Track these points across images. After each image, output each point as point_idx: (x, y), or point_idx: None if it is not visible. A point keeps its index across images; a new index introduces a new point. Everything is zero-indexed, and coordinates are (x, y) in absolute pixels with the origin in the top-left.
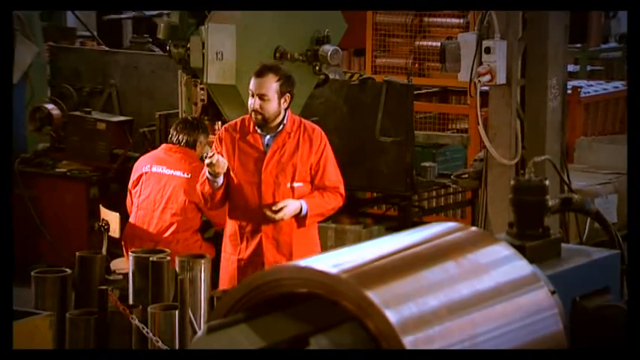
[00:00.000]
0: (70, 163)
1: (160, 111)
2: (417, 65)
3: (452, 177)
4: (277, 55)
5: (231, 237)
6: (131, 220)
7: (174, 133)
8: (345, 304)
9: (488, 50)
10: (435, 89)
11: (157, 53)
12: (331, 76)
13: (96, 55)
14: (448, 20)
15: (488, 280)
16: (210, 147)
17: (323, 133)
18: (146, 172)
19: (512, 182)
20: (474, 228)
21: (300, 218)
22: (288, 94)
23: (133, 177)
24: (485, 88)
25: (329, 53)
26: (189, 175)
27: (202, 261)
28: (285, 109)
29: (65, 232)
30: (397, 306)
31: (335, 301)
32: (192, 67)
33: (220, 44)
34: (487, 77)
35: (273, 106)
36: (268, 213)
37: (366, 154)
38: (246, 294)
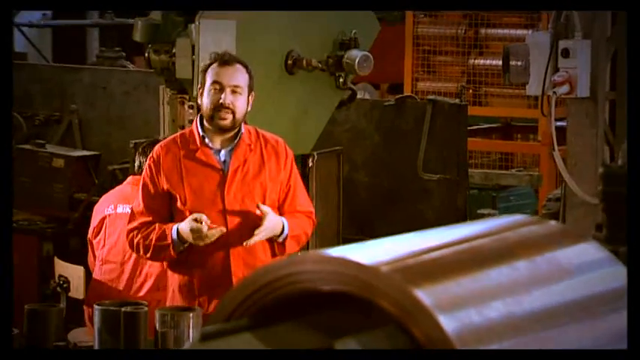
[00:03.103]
0: (18, 212)
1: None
2: (470, 90)
3: None
4: (290, 61)
5: (182, 288)
6: (96, 276)
7: (144, 160)
8: (385, 305)
9: (566, 53)
10: (495, 124)
11: (132, 69)
12: (359, 95)
13: (52, 73)
14: (512, 32)
15: (575, 287)
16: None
17: (287, 145)
18: (109, 215)
19: (600, 170)
20: (553, 222)
21: (278, 243)
22: (252, 94)
23: (94, 223)
24: (562, 123)
25: (357, 60)
26: None
27: (190, 315)
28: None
29: None
30: (453, 310)
31: (371, 302)
32: (178, 80)
33: (216, 46)
34: (565, 88)
35: (244, 104)
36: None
37: (406, 196)
38: (254, 292)
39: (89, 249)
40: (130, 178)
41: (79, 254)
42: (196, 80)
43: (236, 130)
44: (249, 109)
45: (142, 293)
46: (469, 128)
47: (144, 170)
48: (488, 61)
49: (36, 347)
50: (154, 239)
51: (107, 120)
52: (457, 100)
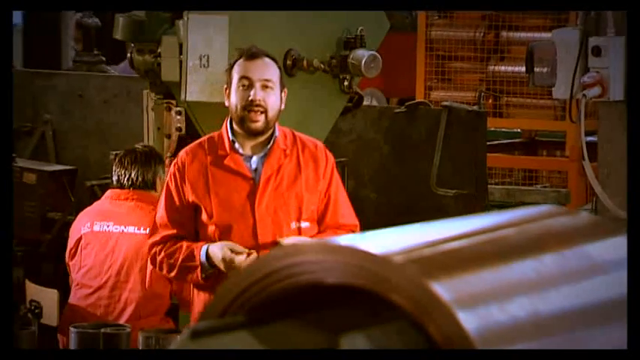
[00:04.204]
0: None
1: None
2: (490, 100)
3: None
4: (288, 62)
5: None
6: (71, 301)
7: (122, 172)
8: (397, 299)
9: (597, 51)
10: (518, 139)
11: (112, 74)
12: (366, 101)
13: (23, 79)
14: (537, 35)
15: (608, 284)
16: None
17: (327, 150)
18: (86, 234)
19: None
20: (584, 212)
21: None
22: (285, 91)
23: (70, 243)
24: (593, 138)
25: (363, 61)
26: (150, 231)
27: (177, 337)
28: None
29: None
30: (474, 306)
31: (381, 297)
32: (163, 82)
33: (206, 45)
34: (596, 90)
35: (277, 101)
36: None
37: (418, 214)
38: (251, 285)
39: (69, 273)
40: (108, 192)
41: (52, 281)
42: (184, 81)
43: (269, 133)
44: (282, 107)
45: (121, 321)
46: (489, 143)
47: (167, 178)
48: (509, 68)
49: None
50: (180, 259)
51: (84, 131)
52: (475, 107)
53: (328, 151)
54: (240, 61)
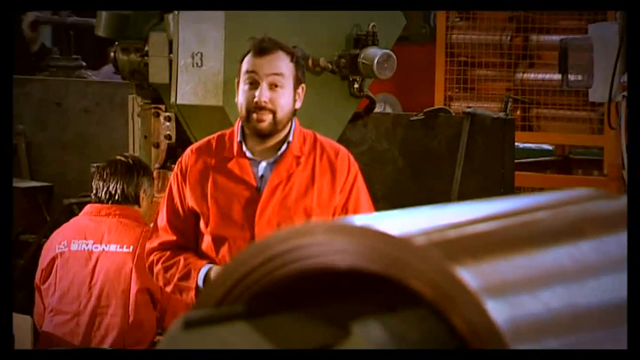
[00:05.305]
0: None
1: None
2: (518, 112)
3: None
4: None
5: None
6: (45, 329)
7: (100, 185)
8: (417, 285)
9: None
10: (550, 157)
11: (93, 80)
12: (379, 108)
13: None
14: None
15: None
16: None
17: (352, 157)
18: (61, 253)
19: None
20: (625, 197)
21: None
22: (302, 87)
23: (43, 264)
24: None
25: (376, 60)
26: (133, 249)
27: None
28: (294, 115)
29: None
30: (504, 295)
31: (399, 284)
32: (151, 85)
33: (199, 42)
34: None
35: (288, 99)
36: None
37: None
38: (252, 270)
39: (36, 296)
40: (87, 208)
41: (26, 311)
42: (175, 82)
43: (281, 136)
44: (297, 106)
45: None
46: (517, 162)
47: (170, 178)
48: (540, 75)
49: None
50: (175, 276)
51: (62, 143)
52: (501, 114)
53: (352, 160)
54: (249, 56)
